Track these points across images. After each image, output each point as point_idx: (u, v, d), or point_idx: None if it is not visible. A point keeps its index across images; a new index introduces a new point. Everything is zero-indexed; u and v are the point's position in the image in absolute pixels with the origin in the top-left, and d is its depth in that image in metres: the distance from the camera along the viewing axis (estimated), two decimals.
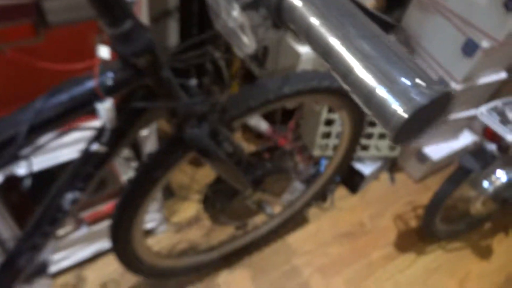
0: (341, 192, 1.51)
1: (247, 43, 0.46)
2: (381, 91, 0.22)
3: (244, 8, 0.34)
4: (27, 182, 0.59)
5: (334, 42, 0.24)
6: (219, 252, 1.20)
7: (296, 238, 1.37)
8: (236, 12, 0.43)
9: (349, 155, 1.15)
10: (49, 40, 0.72)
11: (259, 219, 1.21)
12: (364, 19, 0.24)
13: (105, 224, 1.13)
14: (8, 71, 0.71)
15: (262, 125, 1.43)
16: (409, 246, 1.40)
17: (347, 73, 0.23)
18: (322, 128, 1.30)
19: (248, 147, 1.53)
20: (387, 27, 0.29)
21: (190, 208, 1.36)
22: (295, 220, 1.35)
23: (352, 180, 1.48)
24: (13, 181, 0.81)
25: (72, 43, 0.75)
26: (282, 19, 0.27)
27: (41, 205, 0.63)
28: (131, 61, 0.50)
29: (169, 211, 1.34)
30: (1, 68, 0.69)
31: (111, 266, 1.21)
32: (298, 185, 1.30)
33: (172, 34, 1.39)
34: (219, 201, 0.90)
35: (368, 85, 0.22)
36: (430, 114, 0.22)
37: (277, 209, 1.28)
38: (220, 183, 0.88)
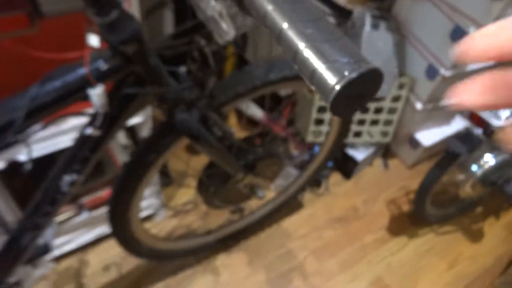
0: (335, 178, 1.55)
1: (226, 30, 0.49)
2: (321, 69, 0.25)
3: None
4: (28, 166, 0.63)
5: (284, 26, 0.27)
6: (216, 236, 1.25)
7: (291, 223, 1.41)
8: (213, 1, 0.47)
9: (339, 141, 1.18)
10: (44, 30, 0.76)
11: (254, 204, 1.25)
12: (311, 5, 0.27)
13: (105, 209, 1.18)
14: (5, 60, 0.74)
15: (257, 112, 1.47)
16: (401, 230, 1.44)
17: (295, 54, 0.27)
18: (315, 115, 1.33)
19: (245, 134, 1.57)
20: (344, 14, 0.31)
21: (187, 194, 1.40)
22: (290, 205, 1.39)
23: (346, 166, 1.51)
24: (16, 167, 0.85)
25: (66, 33, 0.78)
26: (243, 6, 0.30)
27: (41, 186, 0.67)
28: (119, 49, 0.54)
29: (167, 197, 1.38)
30: (2, 58, 0.73)
31: (113, 249, 1.25)
32: (291, 171, 1.33)
33: (168, 24, 1.42)
34: (212, 184, 0.94)
35: (310, 64, 0.25)
36: (363, 89, 0.25)
37: (272, 194, 1.32)
38: (212, 167, 0.91)
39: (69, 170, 0.65)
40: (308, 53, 0.26)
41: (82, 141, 0.63)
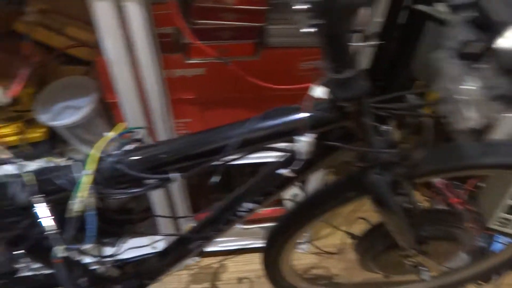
0: None
1: (468, 117, 0.42)
2: None
3: (494, 99, 0.30)
4: (215, 179, 0.66)
5: None
6: None
7: None
8: (468, 86, 0.40)
9: None
10: (262, 59, 0.81)
11: (407, 276, 1.11)
12: None
13: (257, 225, 1.22)
14: (226, 80, 0.82)
15: None
16: None
17: None
18: (507, 201, 1.11)
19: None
20: None
21: (336, 237, 1.34)
22: None
23: None
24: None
25: (281, 64, 0.82)
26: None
27: (218, 206, 0.70)
28: (340, 103, 0.51)
29: (315, 233, 1.35)
30: (223, 76, 0.80)
31: (250, 265, 1.29)
32: (463, 255, 1.14)
33: (364, 57, 1.39)
34: (374, 247, 0.86)
35: None
36: None
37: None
38: (382, 230, 0.83)
39: (251, 199, 0.67)
40: None
41: (272, 177, 0.63)
